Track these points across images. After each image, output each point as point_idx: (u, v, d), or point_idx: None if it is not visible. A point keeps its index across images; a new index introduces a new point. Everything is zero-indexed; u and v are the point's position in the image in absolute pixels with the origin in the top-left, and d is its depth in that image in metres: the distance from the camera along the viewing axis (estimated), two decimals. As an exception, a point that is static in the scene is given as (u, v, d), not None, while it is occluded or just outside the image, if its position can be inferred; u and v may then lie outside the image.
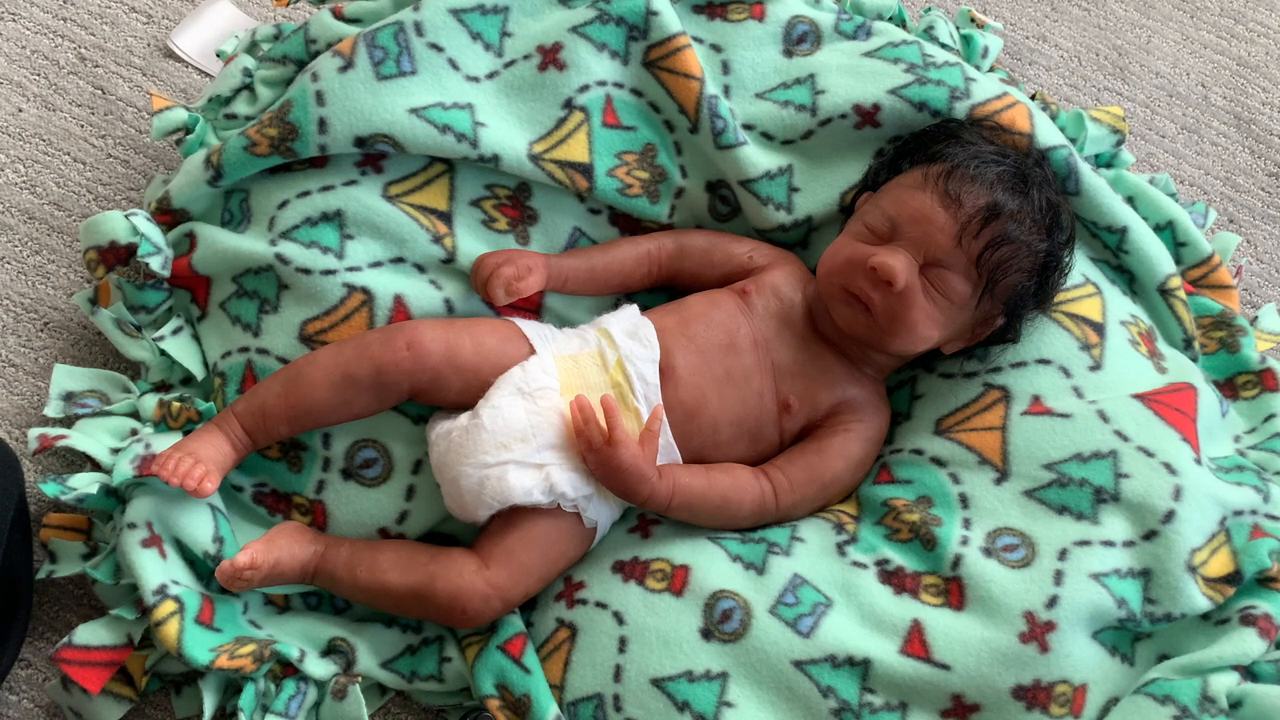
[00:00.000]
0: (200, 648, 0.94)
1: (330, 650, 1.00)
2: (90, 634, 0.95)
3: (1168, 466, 1.00)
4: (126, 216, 1.05)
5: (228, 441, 0.98)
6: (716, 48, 1.14)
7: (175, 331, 1.07)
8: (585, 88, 1.10)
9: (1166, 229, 1.20)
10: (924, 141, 1.07)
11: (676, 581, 0.99)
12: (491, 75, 1.10)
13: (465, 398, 1.00)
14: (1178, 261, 1.20)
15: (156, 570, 0.95)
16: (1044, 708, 0.94)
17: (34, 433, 1.00)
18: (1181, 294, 1.15)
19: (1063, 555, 0.98)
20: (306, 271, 1.04)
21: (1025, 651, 0.95)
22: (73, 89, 1.24)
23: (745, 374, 1.04)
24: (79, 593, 1.04)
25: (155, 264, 1.05)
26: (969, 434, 1.05)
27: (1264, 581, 1.01)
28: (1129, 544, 0.99)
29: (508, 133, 1.07)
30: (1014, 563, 0.99)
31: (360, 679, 0.98)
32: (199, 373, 1.07)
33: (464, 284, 1.06)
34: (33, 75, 1.24)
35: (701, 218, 1.15)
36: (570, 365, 1.01)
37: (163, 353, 1.06)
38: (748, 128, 1.13)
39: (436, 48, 1.08)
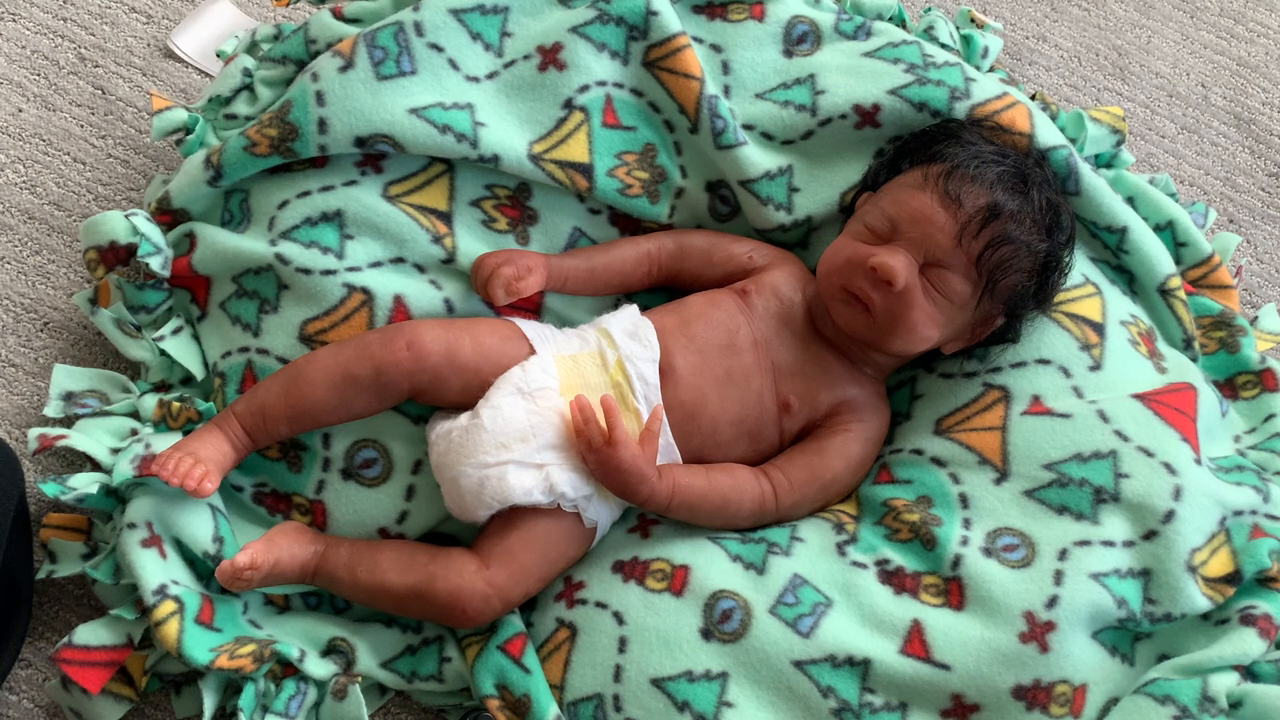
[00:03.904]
0: (200, 648, 0.94)
1: (330, 650, 1.00)
2: (90, 634, 0.95)
3: (1168, 466, 1.00)
4: (126, 216, 1.05)
5: (228, 441, 0.98)
6: (716, 48, 1.14)
7: (175, 331, 1.07)
8: (585, 88, 1.10)
9: (1166, 229, 1.20)
10: (924, 141, 1.07)
11: (676, 581, 0.99)
12: (491, 75, 1.10)
13: (465, 398, 1.00)
14: (1178, 261, 1.20)
15: (156, 570, 0.95)
16: (1044, 708, 0.94)
17: (34, 433, 1.00)
18: (1181, 294, 1.15)
19: (1063, 555, 0.98)
20: (306, 271, 1.04)
21: (1025, 651, 0.95)
22: (73, 89, 1.24)
23: (745, 374, 1.04)
24: (79, 593, 1.04)
25: (155, 264, 1.05)
26: (969, 434, 1.05)
27: (1264, 581, 1.01)
28: (1129, 544, 0.99)
29: (508, 133, 1.08)
30: (1014, 563, 0.99)
31: (360, 679, 0.98)
32: (199, 373, 1.07)
33: (464, 284, 1.06)
34: (33, 75, 1.24)
35: (701, 218, 1.15)
36: (570, 365, 1.01)
37: (163, 353, 1.06)
38: (748, 128, 1.13)
39: (436, 48, 1.08)
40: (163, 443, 1.00)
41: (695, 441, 1.03)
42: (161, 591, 0.94)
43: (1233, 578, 0.99)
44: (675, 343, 1.04)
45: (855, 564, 1.01)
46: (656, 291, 1.14)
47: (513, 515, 0.98)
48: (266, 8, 1.32)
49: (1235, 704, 0.95)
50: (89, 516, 1.02)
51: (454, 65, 1.08)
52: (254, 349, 1.04)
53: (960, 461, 1.04)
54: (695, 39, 1.14)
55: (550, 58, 1.09)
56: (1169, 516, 0.99)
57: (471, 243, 1.07)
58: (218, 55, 1.20)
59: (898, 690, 0.96)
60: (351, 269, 1.04)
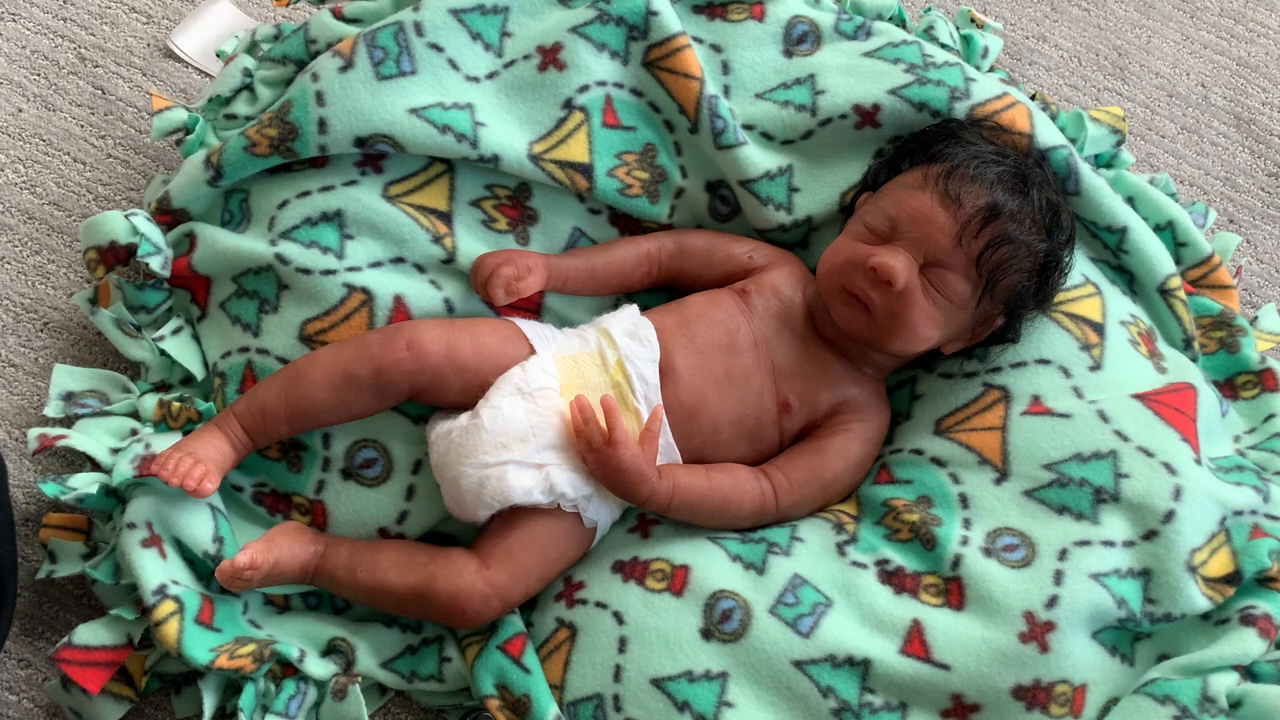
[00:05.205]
0: (200, 648, 0.94)
1: (330, 650, 1.00)
2: (90, 634, 0.95)
3: (1168, 466, 1.00)
4: (126, 216, 1.05)
5: (227, 441, 0.98)
6: (716, 48, 1.14)
7: (175, 331, 1.07)
8: (585, 88, 1.10)
9: (1166, 229, 1.20)
10: (924, 141, 1.07)
11: (676, 581, 0.99)
12: (491, 75, 1.10)
13: (465, 398, 1.00)
14: (1178, 261, 1.20)
15: (156, 570, 0.95)
16: (1044, 708, 0.94)
17: (34, 433, 1.00)
18: (1181, 294, 1.15)
19: (1063, 555, 0.98)
20: (306, 271, 1.04)
21: (1025, 651, 0.95)
22: (73, 89, 1.24)
23: (745, 374, 1.04)
24: (79, 593, 1.04)
25: (155, 264, 1.05)
26: (969, 434, 1.05)
27: (1264, 581, 1.01)
28: (1129, 544, 0.99)
29: (508, 133, 1.08)
30: (1014, 563, 0.99)
31: (360, 679, 0.98)
32: (199, 373, 1.07)
33: (464, 284, 1.06)
34: (33, 75, 1.24)
35: (701, 218, 1.15)
36: (570, 365, 1.01)
37: (163, 353, 1.06)
38: (748, 128, 1.13)
39: (436, 48, 1.08)
40: (163, 443, 1.00)
41: (695, 441, 1.03)
42: (161, 591, 0.94)
43: (1233, 578, 0.99)
44: (675, 343, 1.04)
45: (855, 564, 1.01)
46: (656, 291, 1.14)
47: (513, 515, 0.98)
48: (266, 8, 1.32)
49: (1235, 704, 0.95)
50: (89, 516, 1.02)
51: (454, 65, 1.08)
52: (254, 349, 1.04)
53: (960, 461, 1.04)
54: (695, 39, 1.14)
55: (550, 58, 1.09)
56: (1169, 516, 0.99)
57: (471, 243, 1.07)
58: (218, 55, 1.20)
59: (898, 690, 0.96)
60: (351, 269, 1.04)
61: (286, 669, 0.97)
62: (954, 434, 1.06)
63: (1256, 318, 1.24)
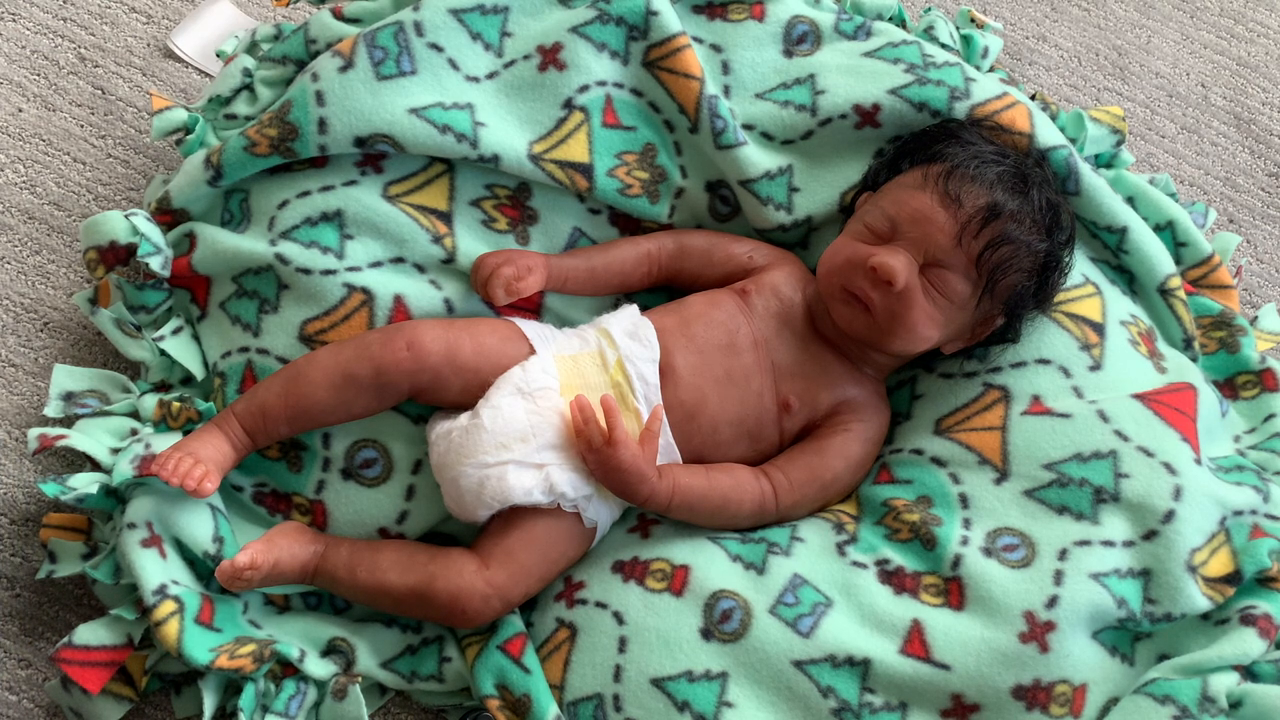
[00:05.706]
0: (200, 648, 0.94)
1: (330, 650, 1.00)
2: (90, 634, 0.95)
3: (1168, 466, 1.00)
4: (126, 216, 1.05)
5: (227, 441, 0.98)
6: (716, 48, 1.14)
7: (175, 331, 1.07)
8: (585, 88, 1.10)
9: (1166, 229, 1.20)
10: (924, 141, 1.07)
11: (676, 581, 0.99)
12: (491, 75, 1.10)
13: (465, 398, 1.00)
14: (1178, 261, 1.20)
15: (156, 570, 0.95)
16: (1044, 708, 0.94)
17: (34, 433, 1.00)
18: (1181, 294, 1.15)
19: (1063, 555, 0.98)
20: (306, 271, 1.04)
21: (1025, 651, 0.95)
22: (73, 89, 1.24)
23: (745, 374, 1.04)
24: (79, 593, 1.04)
25: (155, 264, 1.05)
26: (969, 434, 1.05)
27: (1264, 581, 1.01)
28: (1129, 544, 0.99)
29: (508, 133, 1.08)
30: (1014, 563, 0.99)
31: (360, 679, 0.98)
32: (199, 373, 1.07)
33: (464, 284, 1.06)
34: (33, 75, 1.24)
35: (701, 218, 1.15)
36: (570, 365, 1.01)
37: (163, 353, 1.06)
38: (748, 128, 1.13)
39: (436, 48, 1.08)
40: (163, 443, 1.00)
41: (695, 441, 1.03)
42: (161, 591, 0.94)
43: (1233, 578, 0.99)
44: (675, 343, 1.04)
45: (855, 564, 1.01)
46: (656, 291, 1.14)
47: (513, 515, 0.98)
48: (266, 8, 1.32)
49: (1235, 704, 0.95)
50: (89, 516, 1.02)
51: (454, 65, 1.08)
52: (254, 349, 1.04)
53: (960, 461, 1.04)
54: (695, 39, 1.14)
55: (550, 58, 1.09)
56: (1169, 516, 0.99)
57: (471, 243, 1.07)
58: (218, 55, 1.20)
59: (898, 690, 0.96)
60: (351, 269, 1.04)
61: (286, 669, 0.97)
62: (954, 434, 1.06)
63: (1256, 318, 1.24)
